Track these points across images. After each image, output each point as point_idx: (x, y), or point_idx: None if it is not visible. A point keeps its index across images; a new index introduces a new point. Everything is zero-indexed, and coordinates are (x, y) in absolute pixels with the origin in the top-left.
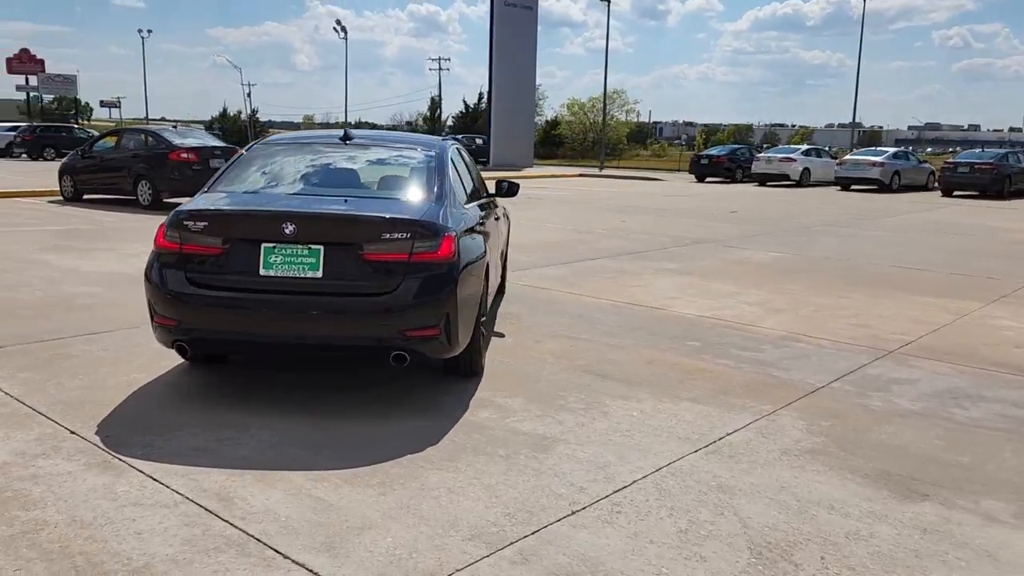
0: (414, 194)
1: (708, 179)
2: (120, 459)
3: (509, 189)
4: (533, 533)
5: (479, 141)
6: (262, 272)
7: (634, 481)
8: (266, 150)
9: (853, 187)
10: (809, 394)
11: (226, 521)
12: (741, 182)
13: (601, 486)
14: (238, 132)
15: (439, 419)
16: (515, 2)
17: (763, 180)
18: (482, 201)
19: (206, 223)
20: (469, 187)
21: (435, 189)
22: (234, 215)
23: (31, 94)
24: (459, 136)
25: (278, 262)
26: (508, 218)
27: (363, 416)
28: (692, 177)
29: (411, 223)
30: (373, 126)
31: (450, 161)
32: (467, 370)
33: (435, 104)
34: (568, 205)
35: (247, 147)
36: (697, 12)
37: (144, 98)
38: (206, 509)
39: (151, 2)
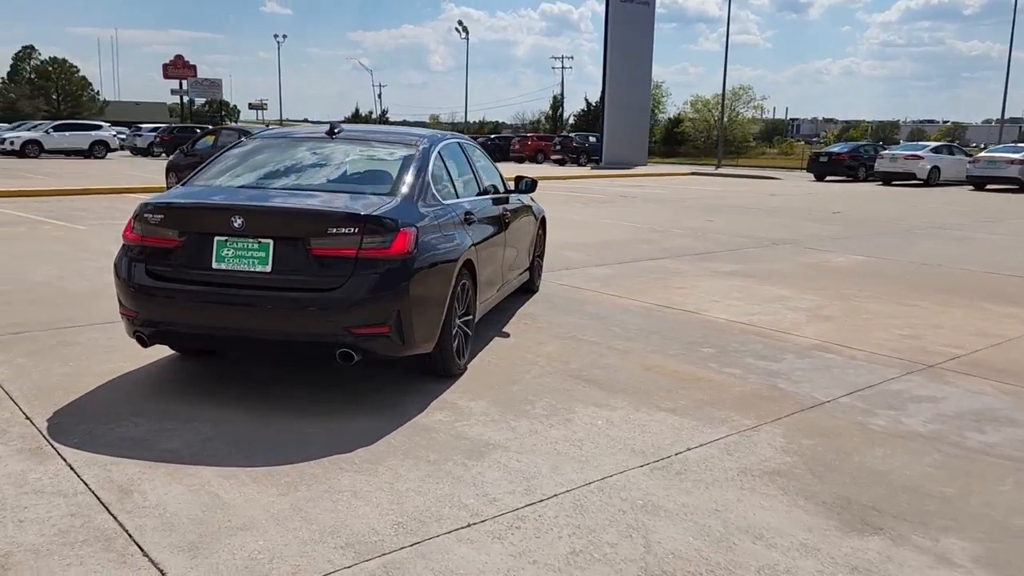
0: (379, 189)
1: (828, 178)
2: (53, 446)
3: (529, 186)
4: (412, 545)
5: (592, 139)
6: (215, 265)
7: (555, 495)
8: (254, 144)
9: (988, 187)
10: (807, 409)
11: (111, 514)
12: (864, 181)
13: (516, 498)
14: None
15: (390, 419)
16: None
17: (887, 179)
18: (490, 197)
19: (163, 216)
20: (467, 183)
21: (404, 184)
22: (188, 208)
23: (184, 98)
24: (572, 135)
25: (230, 255)
26: (538, 216)
27: (315, 413)
28: (812, 176)
29: (359, 218)
30: (496, 125)
31: (436, 157)
32: (440, 370)
33: (557, 102)
34: (659, 204)
35: (239, 141)
36: (842, 4)
37: (279, 99)
38: (100, 501)
39: (298, 9)
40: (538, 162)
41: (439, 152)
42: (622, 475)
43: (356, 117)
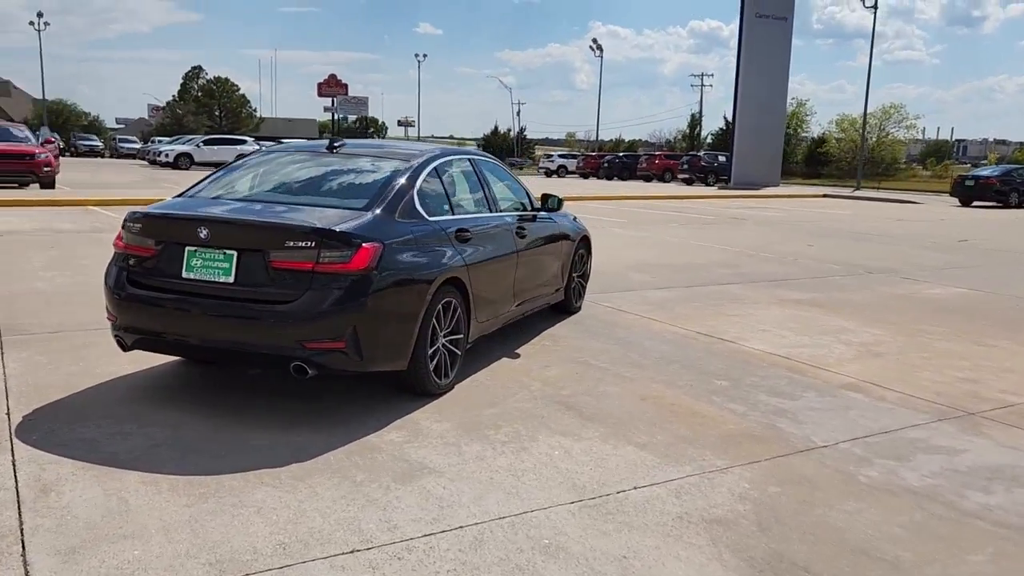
0: (355, 203)
1: (975, 203)
2: (11, 442)
3: (556, 204)
4: (280, 568)
5: (721, 158)
6: (185, 275)
7: (460, 526)
8: (255, 158)
9: None
10: (795, 453)
11: (19, 512)
12: (1018, 207)
13: (418, 527)
14: (507, 148)
15: (342, 435)
16: (767, 13)
17: None
18: (501, 214)
19: (141, 225)
20: (475, 199)
21: (381, 199)
22: (162, 218)
23: (335, 115)
24: (700, 153)
25: (198, 265)
26: (575, 235)
27: (274, 424)
28: (957, 201)
29: (317, 232)
30: (632, 143)
31: (431, 173)
32: (415, 389)
33: (695, 121)
34: (767, 227)
35: (248, 155)
36: (1021, 17)
37: (418, 116)
38: (18, 498)
39: (448, 29)
40: (665, 181)
41: (435, 168)
42: (545, 511)
43: (495, 134)
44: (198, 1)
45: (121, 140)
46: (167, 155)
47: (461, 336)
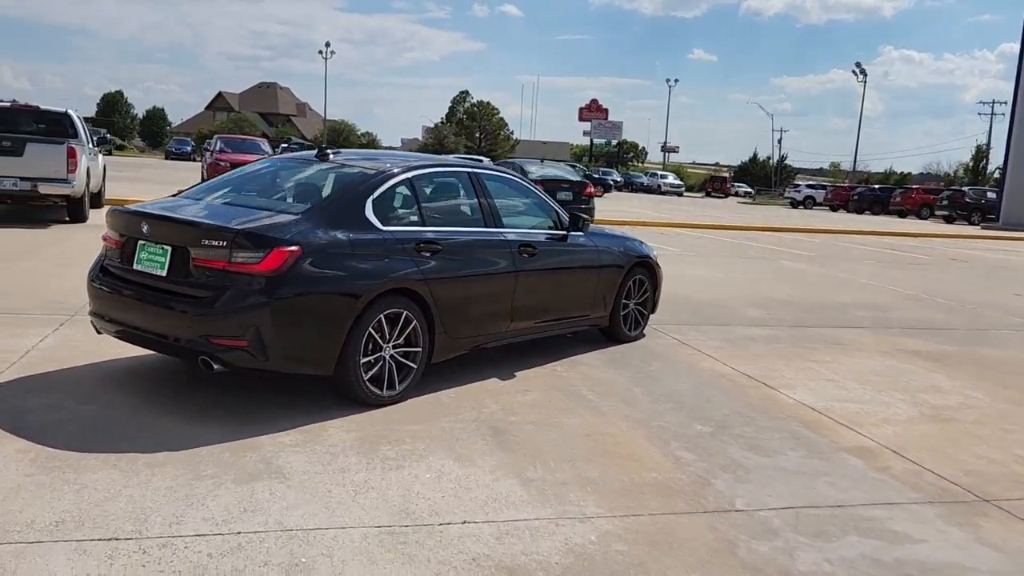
0: (296, 208)
1: None
2: None
3: (583, 224)
4: (30, 542)
5: (990, 195)
6: (135, 266)
7: (238, 532)
8: (256, 163)
9: None
10: (694, 513)
11: None
12: None
13: (198, 526)
14: (764, 177)
15: (242, 432)
16: None
17: None
18: (493, 230)
19: (111, 220)
20: (469, 213)
21: (321, 205)
22: (120, 213)
23: (592, 138)
24: (964, 188)
25: (144, 258)
26: (625, 259)
27: (193, 416)
28: None
29: (229, 232)
30: (904, 176)
31: (400, 184)
32: (347, 396)
33: (980, 153)
34: (982, 271)
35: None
36: None
37: (664, 140)
38: None
39: (723, 56)
40: (922, 217)
41: (409, 180)
42: (340, 530)
43: (752, 162)
44: (484, 32)
45: None
46: None
47: (418, 349)
